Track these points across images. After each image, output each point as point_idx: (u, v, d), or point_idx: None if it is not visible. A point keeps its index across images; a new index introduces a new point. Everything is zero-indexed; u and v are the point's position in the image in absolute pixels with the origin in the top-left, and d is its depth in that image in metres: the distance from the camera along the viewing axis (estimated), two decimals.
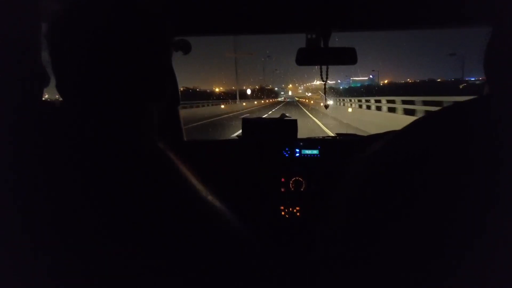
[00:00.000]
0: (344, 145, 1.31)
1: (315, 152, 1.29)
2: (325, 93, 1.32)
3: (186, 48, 1.32)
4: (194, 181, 0.30)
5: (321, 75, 1.12)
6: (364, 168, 0.40)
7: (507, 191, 0.27)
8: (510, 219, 0.27)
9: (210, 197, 0.30)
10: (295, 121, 1.32)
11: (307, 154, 1.29)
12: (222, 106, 21.25)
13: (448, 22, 1.07)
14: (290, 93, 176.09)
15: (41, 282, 0.23)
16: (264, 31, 1.18)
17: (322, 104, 19.86)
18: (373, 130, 1.37)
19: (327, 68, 1.11)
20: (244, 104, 35.33)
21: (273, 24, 1.10)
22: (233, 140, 1.41)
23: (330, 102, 19.96)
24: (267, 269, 0.34)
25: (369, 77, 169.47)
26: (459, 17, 1.00)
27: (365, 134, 1.40)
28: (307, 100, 58.31)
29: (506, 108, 0.31)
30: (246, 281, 0.29)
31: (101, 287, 0.23)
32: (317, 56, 1.09)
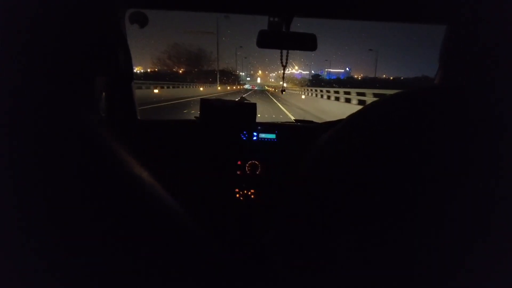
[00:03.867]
0: (301, 130, 1.35)
1: (272, 136, 1.31)
2: (283, 79, 1.33)
3: (142, 21, 1.23)
4: (131, 162, 0.28)
5: (281, 59, 1.13)
6: (314, 155, 0.41)
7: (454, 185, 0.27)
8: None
9: (147, 179, 0.28)
10: (254, 105, 1.32)
11: (265, 138, 1.31)
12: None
13: (407, 18, 1.13)
14: (259, 80, 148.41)
15: None
16: (226, 10, 1.13)
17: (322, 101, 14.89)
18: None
19: (287, 53, 1.12)
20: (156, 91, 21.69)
21: (236, 3, 1.07)
22: (190, 120, 1.37)
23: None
24: (210, 253, 0.33)
25: (345, 69, 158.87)
26: (418, 14, 1.05)
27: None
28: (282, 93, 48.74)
29: (459, 100, 0.31)
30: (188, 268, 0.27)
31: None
32: (278, 40, 1.09)
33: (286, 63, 1.13)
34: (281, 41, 1.08)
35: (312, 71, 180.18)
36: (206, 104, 1.29)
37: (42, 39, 0.34)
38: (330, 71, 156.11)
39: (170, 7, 1.11)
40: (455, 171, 0.27)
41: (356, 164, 0.33)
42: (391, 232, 0.28)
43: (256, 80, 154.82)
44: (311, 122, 1.45)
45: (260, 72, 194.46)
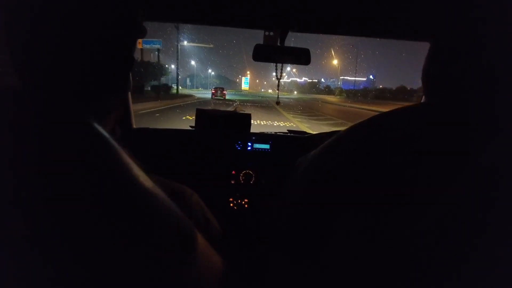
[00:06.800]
0: (295, 141, 1.37)
1: (267, 146, 1.33)
2: (277, 89, 1.37)
3: (142, 32, 1.25)
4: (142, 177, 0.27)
5: (276, 72, 1.16)
6: (307, 168, 0.43)
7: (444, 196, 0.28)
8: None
9: (156, 190, 0.27)
10: (249, 115, 1.34)
11: (259, 148, 1.33)
12: None
13: (393, 34, 1.19)
14: (244, 83, 76.65)
15: None
16: (223, 24, 1.17)
17: None
18: None
19: (282, 66, 1.16)
20: None
21: (232, 17, 1.10)
22: (185, 130, 1.39)
23: None
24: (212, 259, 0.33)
25: (369, 77, 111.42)
26: (404, 31, 1.11)
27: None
28: None
29: (442, 115, 0.33)
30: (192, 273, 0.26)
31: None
32: (273, 54, 1.12)
33: (281, 75, 1.17)
34: (275, 55, 1.12)
35: (322, 79, 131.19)
36: (201, 114, 1.31)
37: (66, 51, 0.34)
38: (346, 79, 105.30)
39: (169, 20, 1.13)
40: (447, 183, 0.28)
41: (350, 175, 0.34)
42: (384, 242, 0.28)
43: (240, 83, 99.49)
44: (305, 132, 1.48)
45: (249, 72, 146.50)
